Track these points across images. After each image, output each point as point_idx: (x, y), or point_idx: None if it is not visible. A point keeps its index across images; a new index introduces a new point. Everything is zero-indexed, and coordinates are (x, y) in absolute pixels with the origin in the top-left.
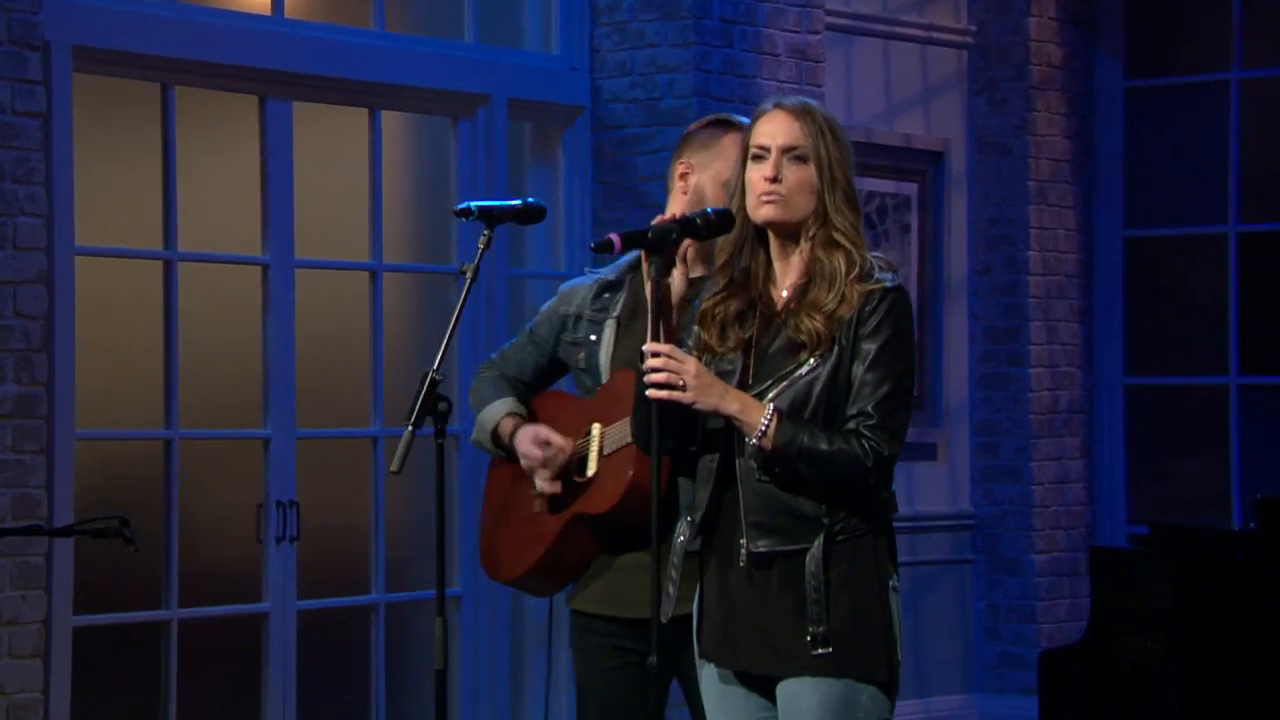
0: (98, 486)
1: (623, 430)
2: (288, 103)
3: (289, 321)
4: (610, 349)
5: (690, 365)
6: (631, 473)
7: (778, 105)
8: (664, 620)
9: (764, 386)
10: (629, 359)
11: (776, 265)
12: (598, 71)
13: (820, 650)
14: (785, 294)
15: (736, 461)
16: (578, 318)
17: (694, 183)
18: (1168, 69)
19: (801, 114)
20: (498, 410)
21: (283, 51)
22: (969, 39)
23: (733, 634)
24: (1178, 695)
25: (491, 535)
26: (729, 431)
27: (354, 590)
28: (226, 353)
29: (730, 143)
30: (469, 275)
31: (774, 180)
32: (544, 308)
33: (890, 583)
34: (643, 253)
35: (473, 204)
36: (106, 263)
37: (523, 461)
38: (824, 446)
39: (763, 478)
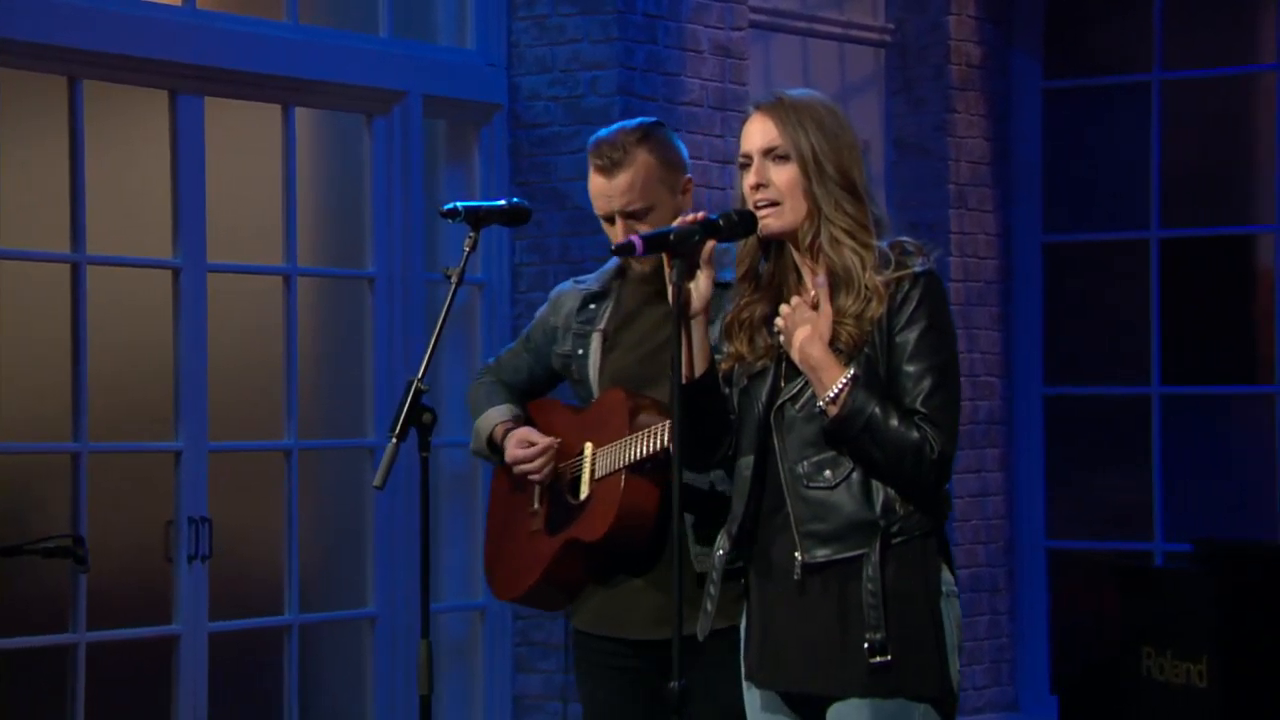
0: None
1: (614, 454)
2: (199, 97)
3: (201, 328)
4: (598, 363)
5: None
6: (620, 500)
7: (755, 105)
8: (700, 638)
9: (796, 390)
10: (618, 373)
11: (803, 269)
12: (515, 67)
13: (879, 659)
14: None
15: (780, 469)
16: (565, 330)
17: None
18: (1087, 70)
19: (774, 109)
20: (493, 418)
21: (194, 44)
22: (887, 37)
23: (773, 651)
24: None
25: (492, 551)
26: (765, 438)
27: (266, 611)
28: (135, 361)
29: (590, 173)
30: (454, 279)
31: (760, 186)
32: (538, 313)
33: (944, 589)
34: (664, 256)
35: (459, 204)
36: (10, 266)
37: (513, 466)
38: (894, 424)
39: (812, 484)
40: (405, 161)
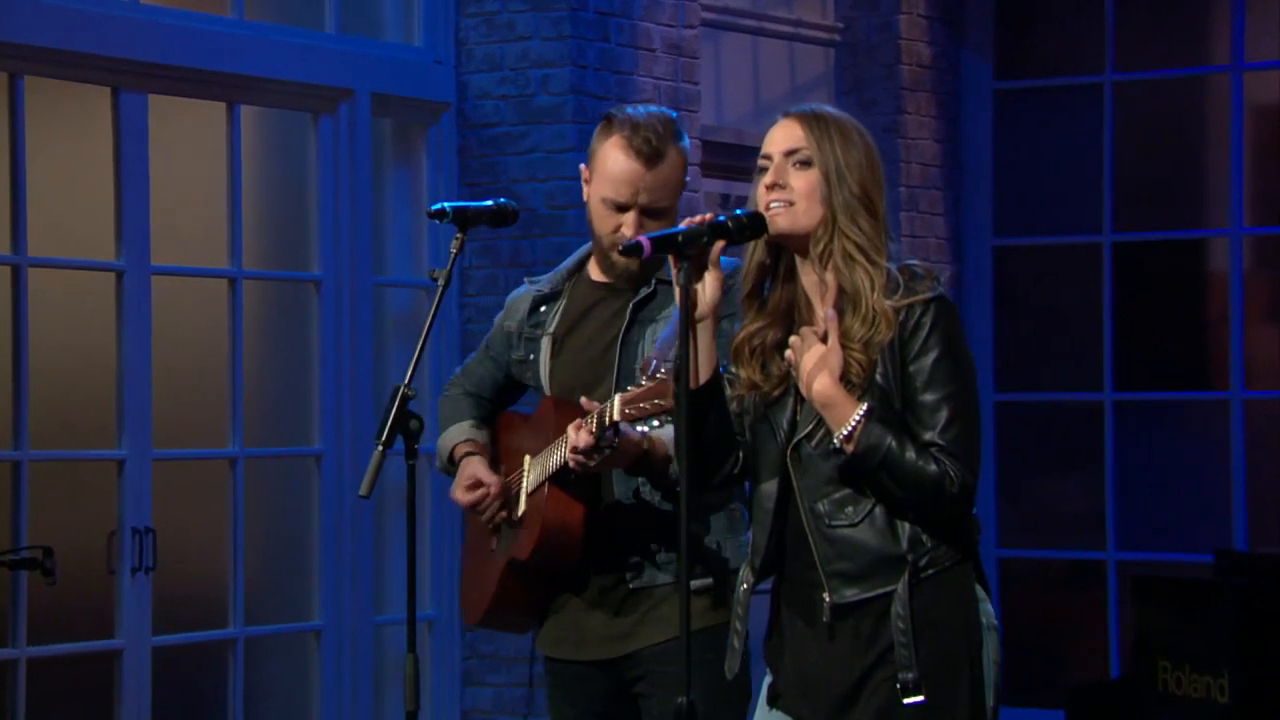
0: None
1: (540, 465)
2: (143, 95)
3: (145, 332)
4: (548, 368)
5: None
6: (543, 516)
7: (785, 112)
8: (730, 676)
9: (811, 426)
10: (566, 379)
11: (810, 292)
12: (464, 65)
13: (912, 699)
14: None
15: (800, 506)
16: (518, 334)
17: (588, 193)
18: (1038, 70)
19: (807, 118)
20: (452, 437)
21: (138, 40)
22: (836, 36)
23: (804, 687)
24: None
25: (465, 573)
26: (786, 472)
27: (210, 624)
28: (77, 367)
29: (606, 151)
30: (441, 282)
31: (776, 186)
32: (496, 319)
33: (984, 620)
34: (671, 258)
35: (446, 205)
36: None
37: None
38: (911, 458)
39: (834, 523)
40: (352, 162)
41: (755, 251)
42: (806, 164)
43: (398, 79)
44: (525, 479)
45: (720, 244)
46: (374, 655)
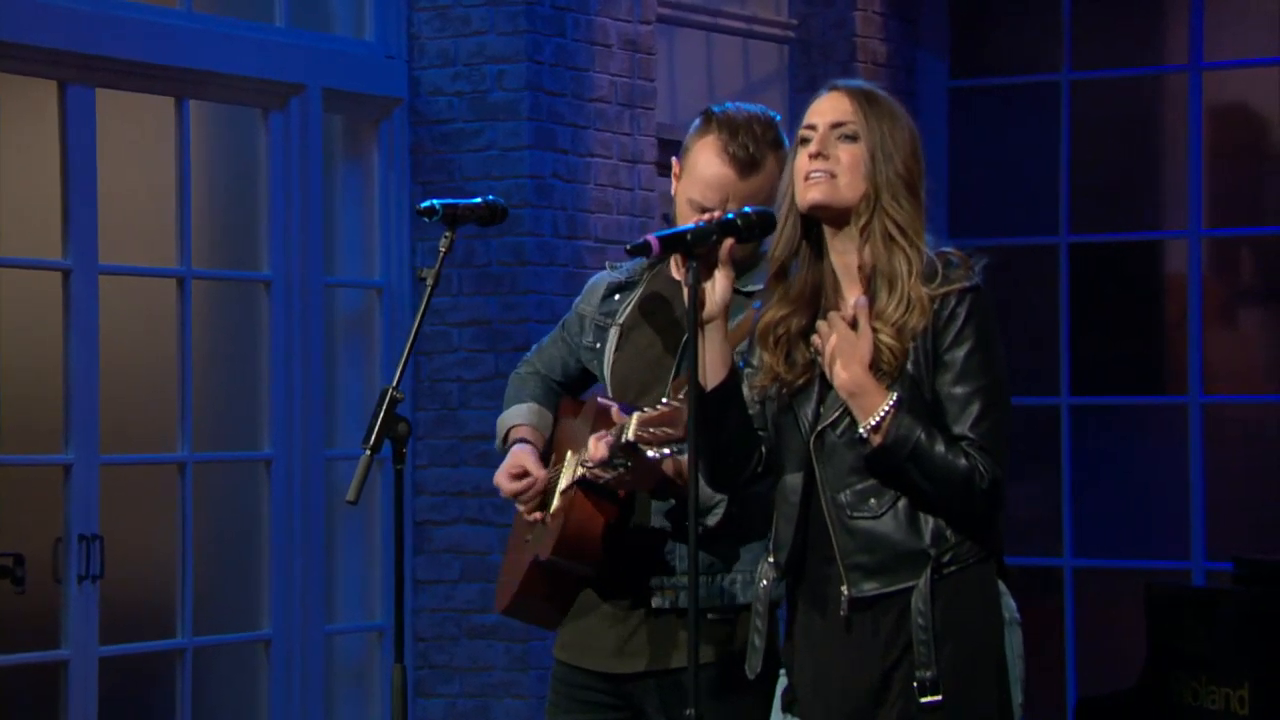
0: None
1: (574, 466)
2: (90, 89)
3: (92, 334)
4: (610, 360)
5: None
6: (565, 519)
7: (832, 85)
8: (751, 675)
9: (837, 414)
10: (624, 374)
11: (840, 275)
12: (417, 60)
13: (929, 698)
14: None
15: (822, 497)
16: (590, 320)
17: (677, 190)
18: (994, 69)
19: (856, 93)
20: (512, 417)
21: (84, 32)
22: (790, 33)
23: (820, 687)
24: None
25: (504, 561)
26: (809, 462)
27: (158, 633)
28: (23, 369)
29: (699, 152)
30: (430, 281)
31: (819, 156)
32: (574, 302)
33: (1006, 615)
34: (678, 257)
35: (435, 203)
36: None
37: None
38: (941, 451)
39: (856, 514)
40: (303, 159)
41: (785, 227)
42: (853, 138)
43: (349, 74)
44: (563, 476)
45: (729, 242)
46: (325, 665)
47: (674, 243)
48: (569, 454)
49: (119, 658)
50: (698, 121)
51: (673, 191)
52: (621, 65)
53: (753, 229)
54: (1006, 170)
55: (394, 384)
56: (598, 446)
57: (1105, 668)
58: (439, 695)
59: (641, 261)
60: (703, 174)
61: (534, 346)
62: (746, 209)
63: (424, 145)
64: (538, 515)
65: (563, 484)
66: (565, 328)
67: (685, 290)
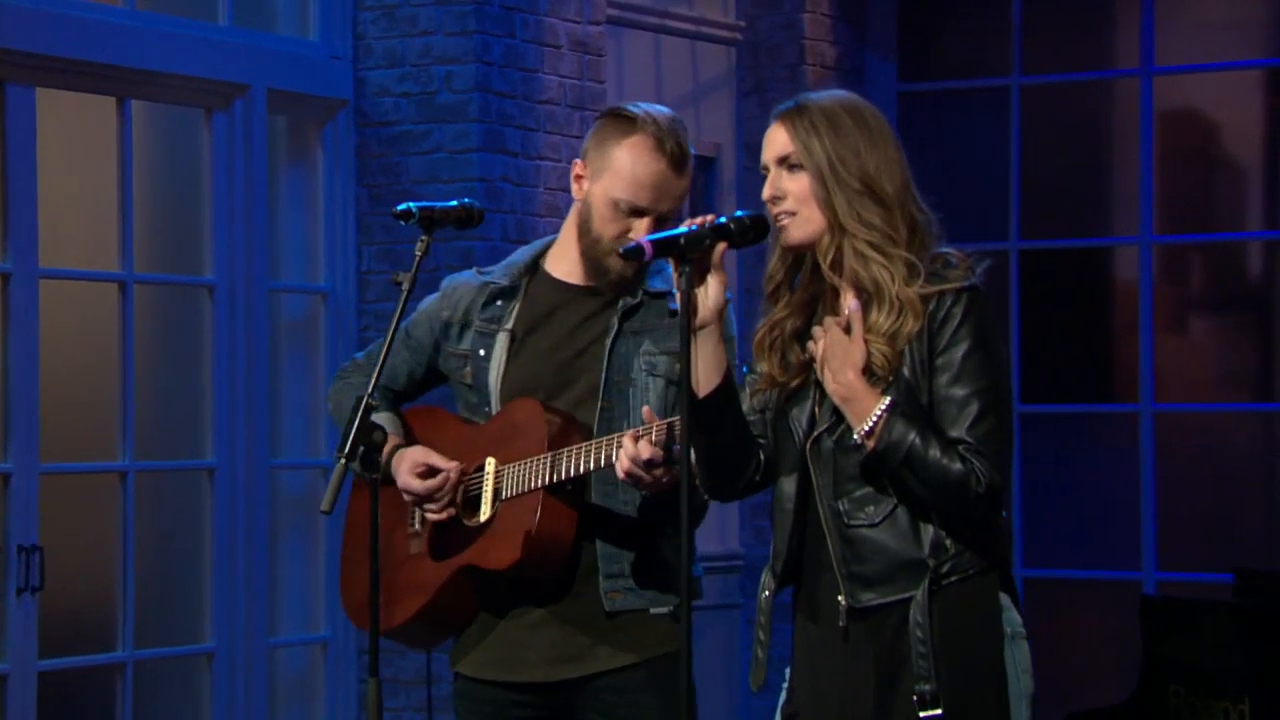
0: None
1: (526, 472)
2: (30, 88)
3: (32, 340)
4: (501, 367)
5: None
6: (535, 524)
7: (774, 112)
8: (754, 688)
9: (835, 419)
10: (524, 380)
11: (837, 284)
12: (363, 60)
13: (929, 712)
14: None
15: (819, 505)
16: (464, 326)
17: (586, 192)
18: (943, 72)
19: (791, 115)
20: (339, 459)
21: (24, 30)
22: (738, 35)
23: (820, 700)
24: None
25: (351, 576)
26: (804, 469)
27: (98, 647)
28: None
29: (626, 151)
30: (405, 286)
31: (775, 199)
32: (423, 305)
33: (1008, 629)
34: (672, 261)
35: (412, 205)
36: None
37: (404, 494)
38: (935, 455)
39: (853, 522)
40: (248, 160)
41: (774, 259)
42: (798, 167)
43: (292, 74)
44: (490, 483)
45: (722, 246)
46: (268, 679)
47: (667, 247)
48: (490, 461)
49: (58, 672)
50: (609, 122)
51: (577, 194)
52: (571, 67)
53: (746, 234)
54: (955, 175)
55: (369, 392)
56: (640, 446)
57: (1056, 678)
58: (385, 709)
59: (517, 266)
60: (636, 173)
61: (360, 354)
62: (740, 213)
63: (370, 148)
64: (446, 514)
65: (509, 491)
66: (411, 334)
67: (678, 295)
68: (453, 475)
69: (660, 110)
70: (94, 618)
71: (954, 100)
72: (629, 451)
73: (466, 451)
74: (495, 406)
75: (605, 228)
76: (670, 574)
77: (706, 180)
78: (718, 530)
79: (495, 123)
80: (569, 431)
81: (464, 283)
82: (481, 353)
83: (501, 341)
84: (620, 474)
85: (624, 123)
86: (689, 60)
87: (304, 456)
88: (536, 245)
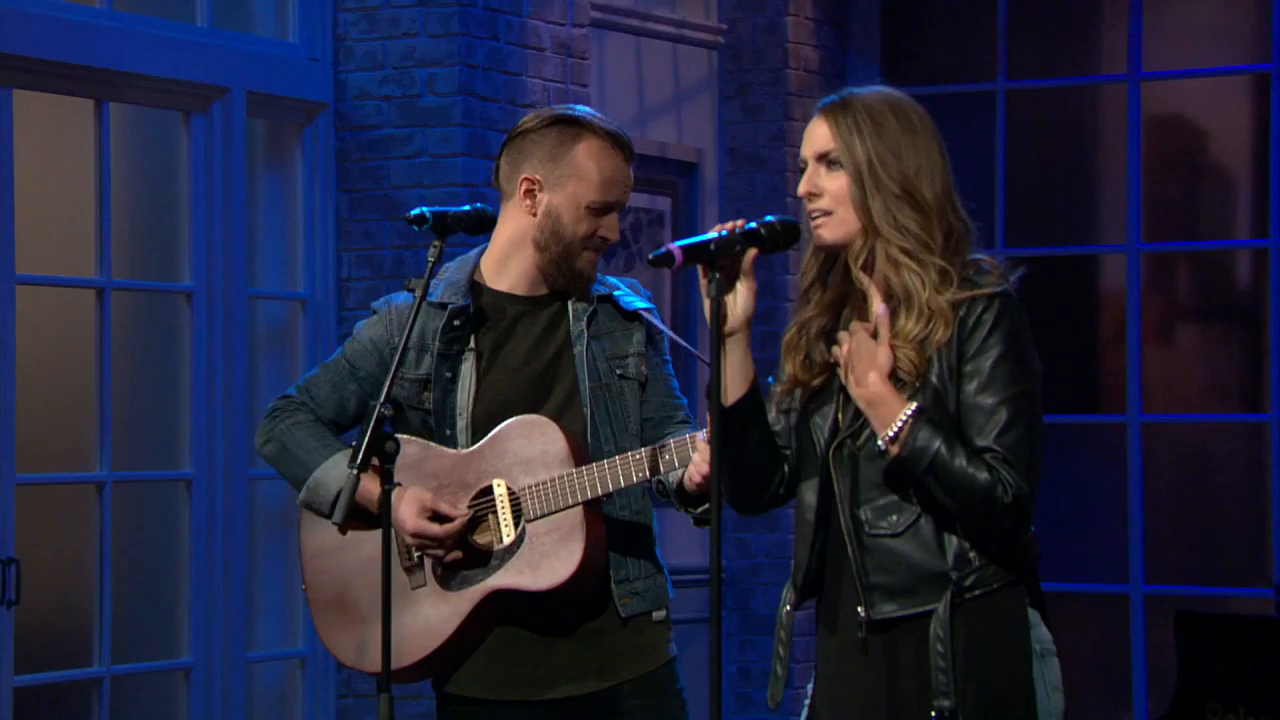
0: None
1: (558, 490)
2: (6, 90)
3: (8, 347)
4: (472, 389)
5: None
6: (585, 537)
7: (818, 106)
8: (773, 705)
9: (859, 424)
10: (499, 398)
11: (866, 287)
12: (343, 63)
13: None
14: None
15: (840, 513)
16: (420, 350)
17: (545, 204)
18: (928, 77)
19: (834, 110)
20: (342, 473)
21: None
22: (720, 38)
23: (840, 714)
24: None
25: (339, 619)
26: (828, 477)
27: (74, 661)
28: None
29: (586, 156)
30: (418, 293)
31: (811, 195)
32: (358, 333)
33: (1036, 646)
34: (701, 267)
35: (425, 210)
36: None
37: (410, 540)
38: (961, 464)
39: (875, 531)
40: (226, 164)
41: (808, 258)
42: (837, 165)
43: (271, 76)
44: (504, 505)
45: (753, 252)
46: (246, 694)
47: (698, 253)
48: (498, 482)
49: (34, 687)
50: (551, 131)
51: (528, 209)
52: (555, 70)
53: (777, 239)
54: None
55: (381, 400)
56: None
57: None
58: None
59: (461, 283)
60: (604, 173)
61: (292, 389)
62: (770, 218)
63: (350, 151)
64: (456, 555)
65: (532, 510)
66: (357, 365)
67: (708, 302)
68: (459, 523)
69: (585, 108)
70: (70, 632)
71: (938, 105)
72: (698, 456)
73: (458, 477)
74: (462, 428)
75: (578, 229)
76: (661, 579)
77: (688, 185)
78: (697, 541)
79: (479, 126)
80: (584, 446)
81: (404, 304)
82: (448, 375)
83: (469, 362)
84: (696, 482)
85: (569, 128)
86: (671, 64)
87: None
88: (466, 261)
